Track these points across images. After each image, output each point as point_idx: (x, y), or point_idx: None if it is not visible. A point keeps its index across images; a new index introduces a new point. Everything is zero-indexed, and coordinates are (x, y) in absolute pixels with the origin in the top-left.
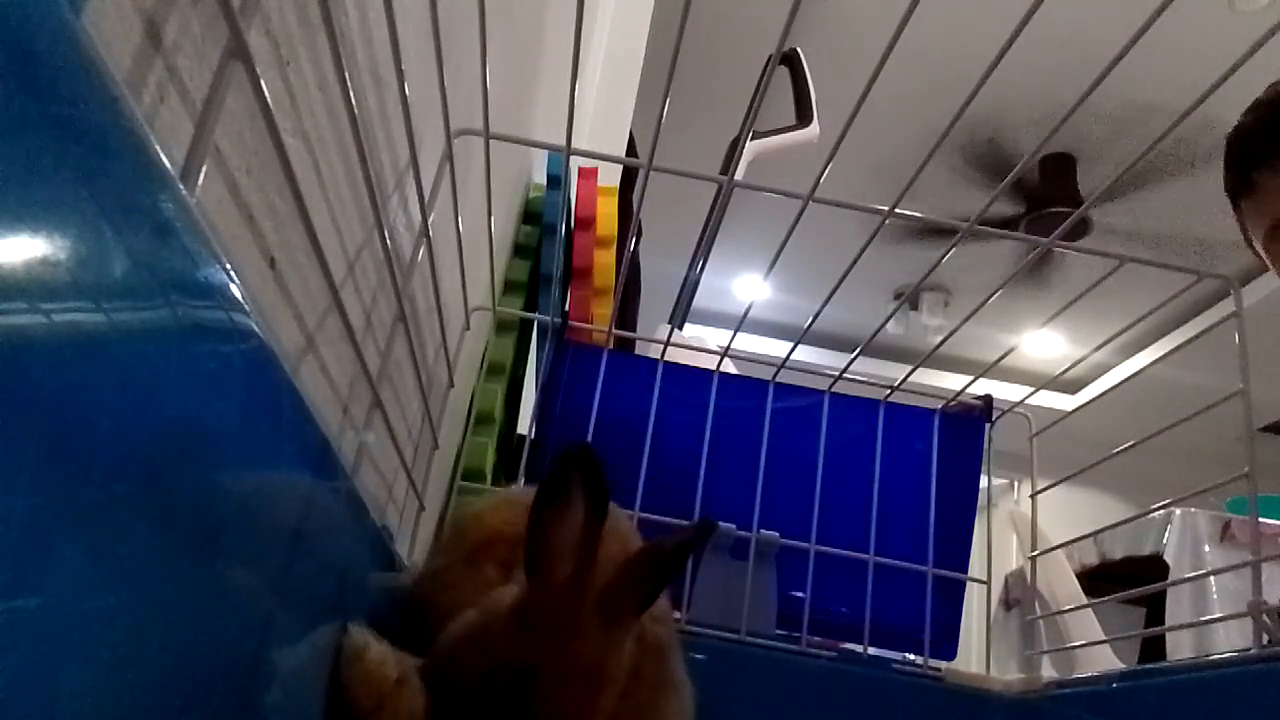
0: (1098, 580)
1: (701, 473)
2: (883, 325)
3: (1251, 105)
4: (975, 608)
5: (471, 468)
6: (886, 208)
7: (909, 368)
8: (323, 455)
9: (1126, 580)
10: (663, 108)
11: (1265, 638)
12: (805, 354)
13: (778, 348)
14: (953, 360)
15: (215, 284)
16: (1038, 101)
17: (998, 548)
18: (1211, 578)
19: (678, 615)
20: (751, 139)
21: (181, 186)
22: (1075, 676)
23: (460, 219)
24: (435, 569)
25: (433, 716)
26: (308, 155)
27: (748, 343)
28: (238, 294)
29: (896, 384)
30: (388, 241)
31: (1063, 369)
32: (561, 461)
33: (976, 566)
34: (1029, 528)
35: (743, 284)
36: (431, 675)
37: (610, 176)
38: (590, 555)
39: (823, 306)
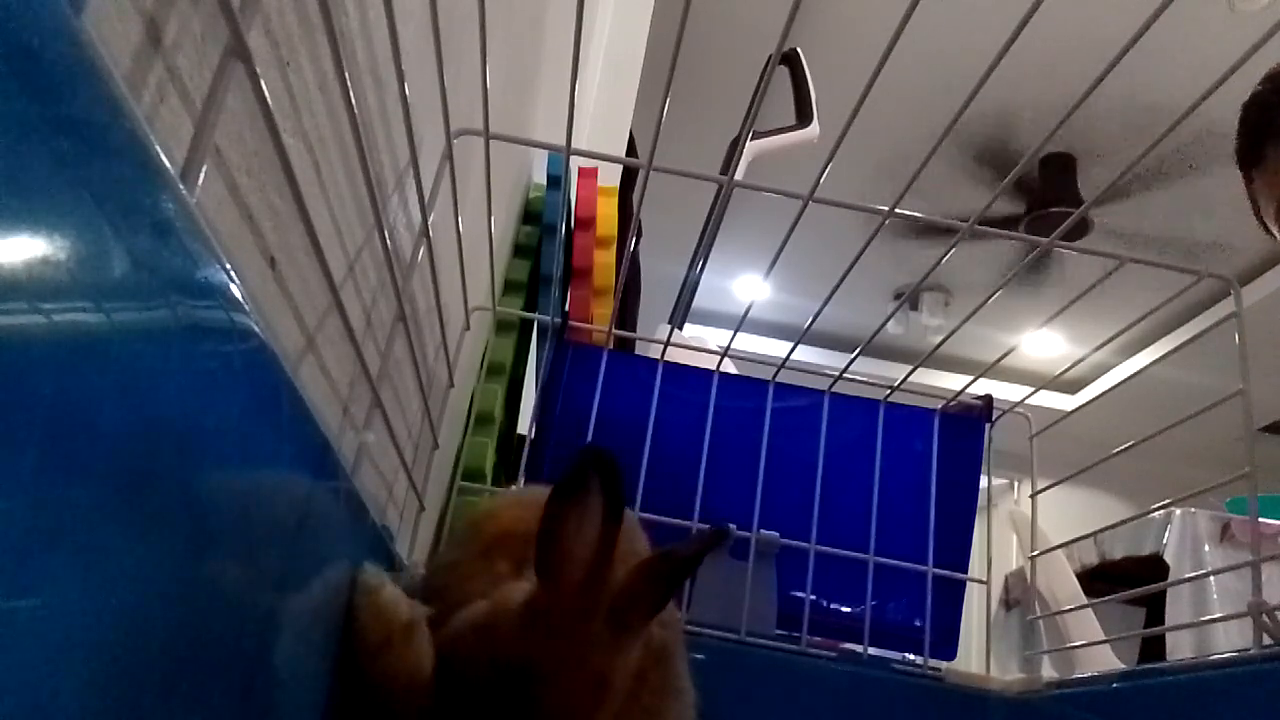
0: (1098, 580)
1: (701, 473)
2: (883, 325)
3: (1266, 76)
4: (975, 608)
5: (471, 468)
6: (886, 208)
7: (909, 368)
8: (323, 455)
9: (1126, 580)
10: (663, 108)
11: (1265, 638)
12: (805, 354)
13: (778, 348)
14: (953, 360)
15: (215, 284)
16: (1038, 101)
17: (998, 548)
18: (1211, 578)
19: (680, 617)
20: (751, 139)
21: (181, 186)
22: (1075, 676)
23: (460, 219)
24: (450, 561)
25: (435, 687)
26: (308, 155)
27: (748, 343)
28: (238, 294)
29: (896, 384)
30: (388, 241)
31: (1063, 369)
32: (580, 462)
33: (976, 566)
34: (1029, 528)
35: (743, 284)
36: (439, 649)
37: (610, 176)
38: (606, 561)
39: (823, 306)
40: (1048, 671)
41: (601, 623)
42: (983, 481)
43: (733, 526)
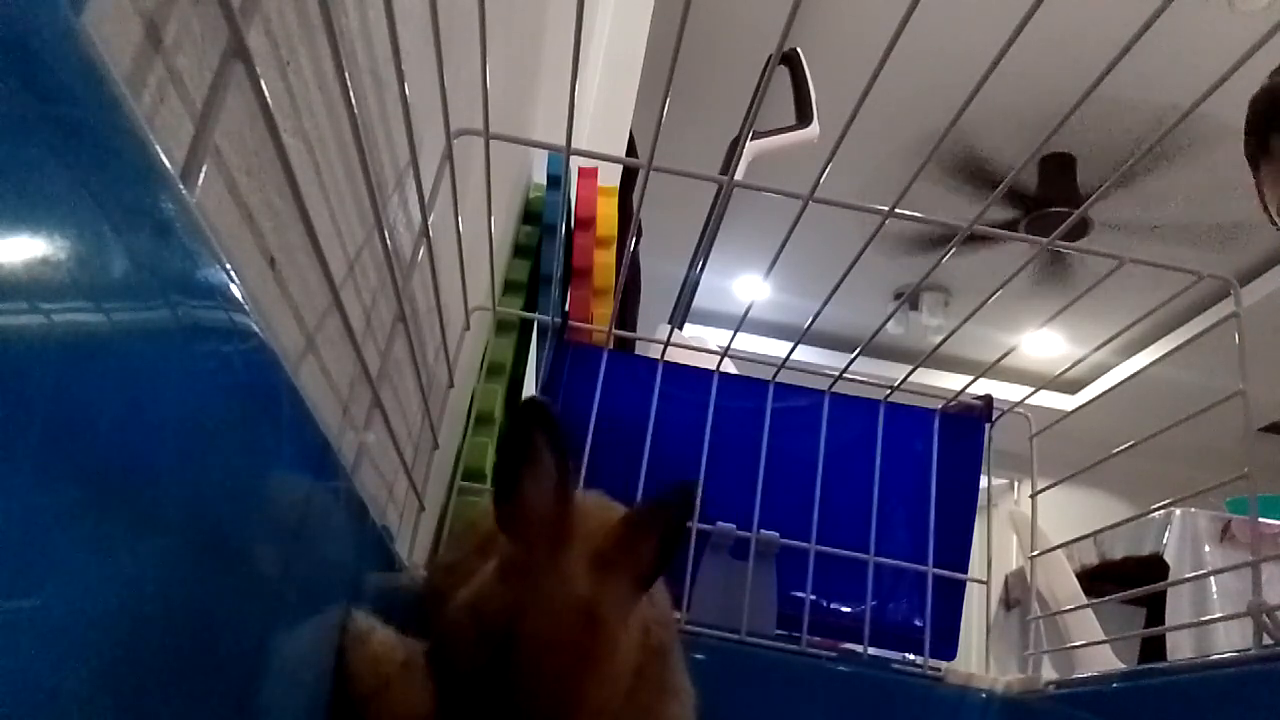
0: (1098, 580)
1: (701, 473)
2: (883, 325)
3: (1276, 69)
4: (975, 608)
5: (471, 468)
6: (886, 208)
7: (909, 368)
8: (323, 455)
9: (1126, 580)
10: (663, 108)
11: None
12: (805, 354)
13: (778, 348)
14: (953, 360)
15: (215, 284)
16: (1038, 102)
17: (998, 548)
18: (1211, 578)
19: (677, 616)
20: (751, 139)
21: (181, 186)
22: (1075, 676)
23: (460, 219)
24: (449, 562)
25: (438, 699)
26: (308, 155)
27: (748, 343)
28: (238, 294)
29: (896, 384)
30: (388, 241)
31: (1063, 369)
32: (521, 420)
33: (976, 566)
34: (1029, 528)
35: (743, 284)
36: (435, 657)
37: (610, 176)
38: (566, 503)
39: (823, 306)
40: (1048, 671)
41: (580, 562)
42: (983, 481)
43: (732, 526)
